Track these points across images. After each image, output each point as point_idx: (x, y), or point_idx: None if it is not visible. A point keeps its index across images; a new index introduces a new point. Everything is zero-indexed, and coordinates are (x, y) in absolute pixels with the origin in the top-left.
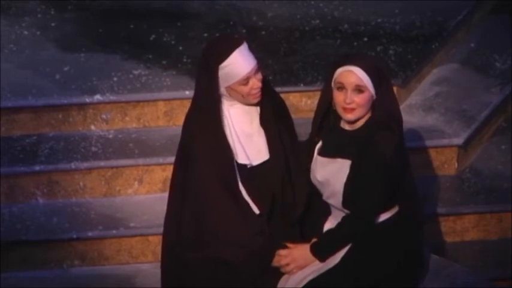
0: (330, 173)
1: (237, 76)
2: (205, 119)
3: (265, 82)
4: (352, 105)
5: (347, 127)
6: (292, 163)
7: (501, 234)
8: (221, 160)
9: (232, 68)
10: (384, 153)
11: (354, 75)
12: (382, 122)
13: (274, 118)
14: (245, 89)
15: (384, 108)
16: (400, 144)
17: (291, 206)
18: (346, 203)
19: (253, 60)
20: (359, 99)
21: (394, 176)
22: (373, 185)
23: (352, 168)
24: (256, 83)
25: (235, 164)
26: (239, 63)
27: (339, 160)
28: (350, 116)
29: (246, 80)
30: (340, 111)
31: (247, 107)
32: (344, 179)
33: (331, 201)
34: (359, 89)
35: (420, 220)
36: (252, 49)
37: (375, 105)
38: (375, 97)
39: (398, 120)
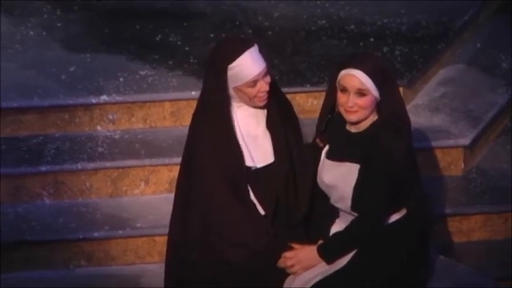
0: (338, 177)
1: (246, 78)
2: (214, 118)
3: (272, 84)
4: (355, 108)
5: (354, 130)
6: (297, 164)
7: (507, 235)
8: (228, 159)
9: (241, 69)
10: (391, 156)
11: (356, 79)
12: (389, 123)
13: (280, 120)
14: (252, 92)
15: (389, 110)
16: (409, 145)
17: (293, 207)
18: (355, 206)
19: (263, 63)
20: (361, 102)
21: (401, 178)
22: (378, 187)
23: (361, 172)
24: (263, 86)
25: (243, 163)
26: (248, 65)
27: (347, 164)
28: (352, 117)
29: (254, 83)
30: (342, 112)
31: (253, 109)
32: (353, 183)
33: (339, 205)
34: (361, 93)
35: (428, 221)
36: (262, 52)
37: (380, 107)
38: (379, 99)
39: (405, 120)
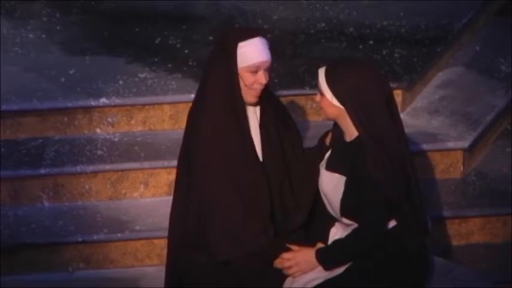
0: (328, 187)
1: (250, 60)
2: (228, 100)
3: (268, 87)
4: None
5: (347, 139)
6: (295, 168)
7: (506, 237)
8: (241, 149)
9: (249, 50)
10: (372, 172)
11: (318, 75)
12: (366, 141)
13: (274, 122)
14: (251, 79)
15: (363, 127)
16: (388, 161)
17: (293, 210)
18: (344, 216)
19: (270, 56)
20: (318, 98)
21: (390, 188)
22: (370, 200)
23: (347, 184)
24: (262, 78)
25: (248, 144)
26: (257, 48)
27: (336, 175)
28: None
29: (255, 69)
30: None
31: (250, 107)
32: (340, 195)
33: (332, 213)
34: (319, 90)
35: (425, 224)
36: (272, 49)
37: (353, 121)
38: (341, 108)
39: (380, 142)
